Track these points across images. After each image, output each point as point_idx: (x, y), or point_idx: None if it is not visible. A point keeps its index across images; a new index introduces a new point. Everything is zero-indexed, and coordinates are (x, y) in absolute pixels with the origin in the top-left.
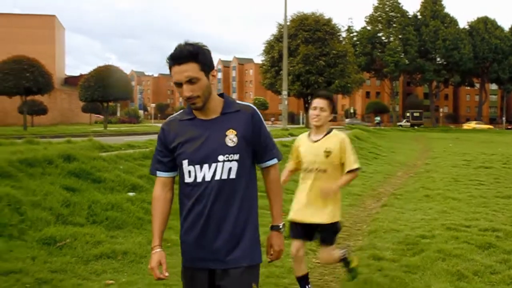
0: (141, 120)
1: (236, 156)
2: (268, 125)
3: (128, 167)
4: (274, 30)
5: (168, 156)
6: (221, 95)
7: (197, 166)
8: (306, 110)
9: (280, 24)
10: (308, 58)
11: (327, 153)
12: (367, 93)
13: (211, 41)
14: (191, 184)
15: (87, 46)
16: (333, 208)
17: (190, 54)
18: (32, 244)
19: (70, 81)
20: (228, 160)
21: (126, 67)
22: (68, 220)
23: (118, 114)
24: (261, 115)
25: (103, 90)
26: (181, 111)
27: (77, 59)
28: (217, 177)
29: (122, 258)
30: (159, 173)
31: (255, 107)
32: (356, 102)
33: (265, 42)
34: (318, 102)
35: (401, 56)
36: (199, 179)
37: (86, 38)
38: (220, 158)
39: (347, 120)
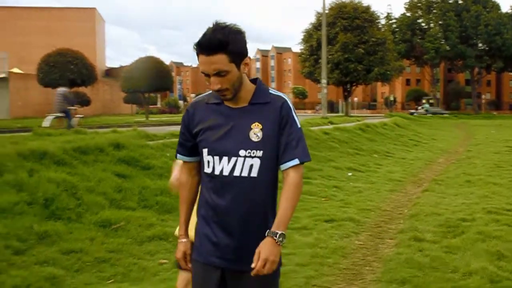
0: (181, 110)
1: (259, 153)
2: (307, 115)
3: (174, 154)
4: (313, 19)
5: (190, 141)
6: (254, 81)
7: (216, 158)
8: (346, 98)
9: (318, 13)
10: (347, 46)
11: None
12: (407, 81)
13: (249, 30)
14: (209, 175)
15: (125, 38)
16: None
17: (220, 44)
18: (89, 227)
19: (111, 72)
20: (250, 156)
21: (165, 58)
22: (121, 204)
23: (159, 104)
24: (292, 107)
25: (144, 81)
26: (210, 92)
27: (116, 51)
28: (236, 173)
29: (173, 239)
30: (181, 157)
31: (287, 98)
32: (396, 89)
33: (304, 30)
34: None
35: (442, 42)
36: (216, 172)
37: (125, 30)
38: (242, 152)
39: (424, 106)
